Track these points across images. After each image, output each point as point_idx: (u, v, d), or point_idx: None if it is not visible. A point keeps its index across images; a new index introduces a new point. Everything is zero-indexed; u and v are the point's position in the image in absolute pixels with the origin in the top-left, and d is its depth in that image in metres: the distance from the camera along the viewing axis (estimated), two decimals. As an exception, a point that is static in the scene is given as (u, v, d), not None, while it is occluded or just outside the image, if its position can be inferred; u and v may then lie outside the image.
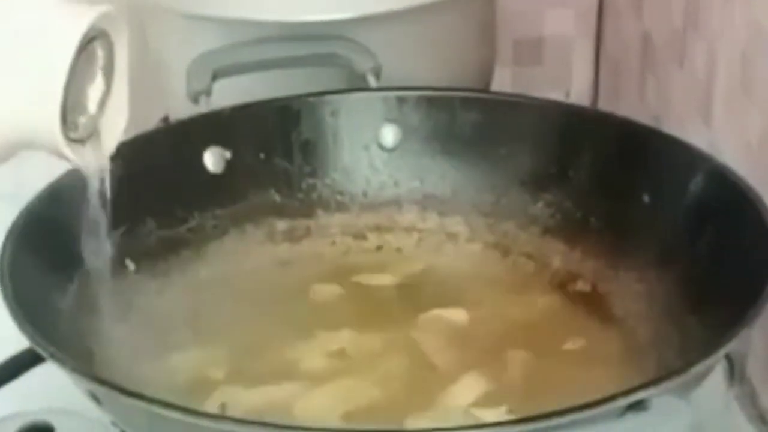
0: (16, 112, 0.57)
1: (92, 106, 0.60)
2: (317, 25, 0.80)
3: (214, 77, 0.78)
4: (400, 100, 0.76)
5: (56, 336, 0.59)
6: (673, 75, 0.83)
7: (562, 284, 0.71)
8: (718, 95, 0.75)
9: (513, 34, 0.99)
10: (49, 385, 0.60)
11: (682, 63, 0.81)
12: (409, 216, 0.76)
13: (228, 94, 0.77)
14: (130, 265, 0.70)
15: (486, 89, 0.87)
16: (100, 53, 0.59)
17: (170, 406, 0.52)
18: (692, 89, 0.79)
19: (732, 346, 0.55)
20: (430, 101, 0.76)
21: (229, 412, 0.61)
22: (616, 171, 0.71)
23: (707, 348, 0.55)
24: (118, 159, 0.62)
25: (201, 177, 0.74)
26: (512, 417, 0.58)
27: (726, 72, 0.74)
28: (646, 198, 0.69)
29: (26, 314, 0.58)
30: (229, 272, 0.73)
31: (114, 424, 0.59)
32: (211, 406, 0.62)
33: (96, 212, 0.62)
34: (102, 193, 0.61)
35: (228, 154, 0.74)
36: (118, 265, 0.68)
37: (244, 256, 0.74)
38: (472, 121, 0.75)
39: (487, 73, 0.89)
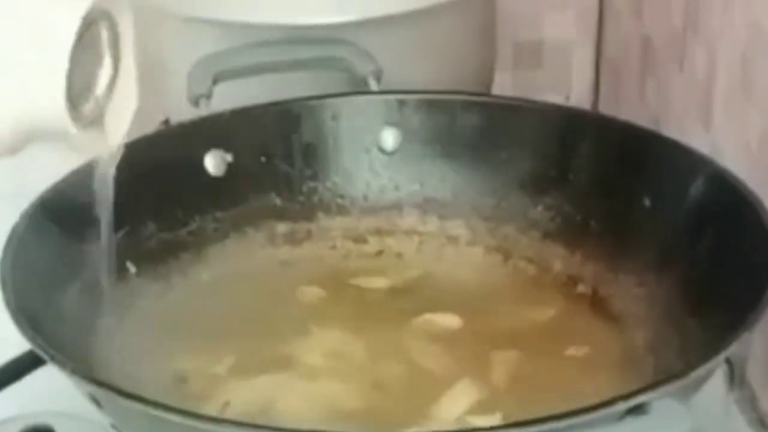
0: (22, 97, 0.56)
1: (100, 89, 0.60)
2: (318, 29, 0.80)
3: (215, 80, 0.78)
4: (401, 104, 0.76)
5: (57, 339, 0.59)
6: (673, 77, 0.83)
7: (562, 288, 0.71)
8: (718, 97, 0.75)
9: (513, 37, 0.99)
10: (50, 388, 0.60)
11: (682, 65, 0.81)
12: (409, 219, 0.76)
13: (229, 97, 0.77)
14: (131, 268, 0.70)
15: (486, 92, 0.87)
16: (104, 35, 0.59)
17: (170, 409, 0.52)
18: (692, 91, 0.79)
19: (732, 350, 0.56)
20: (430, 104, 0.76)
21: (231, 412, 0.61)
22: (617, 174, 0.71)
23: (707, 352, 0.55)
24: (119, 161, 0.62)
25: (202, 180, 0.74)
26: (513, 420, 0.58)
27: (726, 73, 0.74)
28: (646, 201, 0.69)
29: (27, 317, 0.58)
30: (230, 275, 0.73)
31: (114, 426, 0.59)
32: (212, 408, 0.62)
33: (100, 210, 0.62)
34: (106, 191, 0.61)
35: (229, 157, 0.74)
36: (119, 268, 0.68)
37: (245, 259, 0.74)
38: (473, 125, 0.75)
39: (488, 76, 0.89)
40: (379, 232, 0.76)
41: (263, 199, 0.75)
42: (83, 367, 0.58)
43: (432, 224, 0.76)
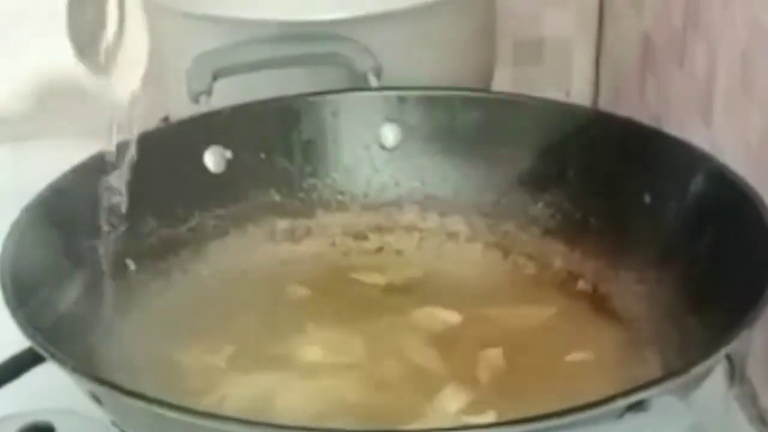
0: (36, 48, 0.56)
1: (110, 35, 0.59)
2: (318, 25, 0.80)
3: (215, 77, 0.78)
4: (401, 100, 0.76)
5: (57, 336, 0.59)
6: (674, 75, 0.83)
7: (562, 285, 0.71)
8: (718, 95, 0.75)
9: (513, 34, 0.99)
10: (50, 385, 0.60)
11: (683, 63, 0.81)
12: (409, 216, 0.76)
13: (228, 93, 0.77)
14: (131, 265, 0.70)
15: (487, 89, 0.87)
16: None
17: (171, 406, 0.52)
18: (692, 89, 0.79)
19: (732, 347, 0.56)
20: (430, 101, 0.76)
21: (230, 409, 0.61)
22: (617, 171, 0.71)
23: (707, 348, 0.55)
24: (119, 160, 0.62)
25: (202, 177, 0.74)
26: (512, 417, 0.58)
27: (726, 72, 0.74)
28: (646, 198, 0.69)
29: (27, 314, 0.58)
30: (230, 272, 0.73)
31: (114, 424, 0.59)
32: (211, 404, 0.62)
33: (115, 194, 0.62)
34: (127, 151, 0.61)
35: (229, 154, 0.74)
36: (119, 265, 0.68)
37: (245, 256, 0.74)
38: (473, 121, 0.75)
39: (488, 73, 0.89)
40: (379, 228, 0.76)
41: (263, 195, 0.75)
42: (83, 365, 0.58)
43: (432, 221, 0.76)
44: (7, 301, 0.59)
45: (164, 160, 0.72)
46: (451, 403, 0.62)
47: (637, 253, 0.69)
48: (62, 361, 0.56)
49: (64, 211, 0.66)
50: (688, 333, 0.62)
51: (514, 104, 0.76)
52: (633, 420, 0.51)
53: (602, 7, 1.00)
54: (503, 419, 0.58)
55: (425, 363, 0.65)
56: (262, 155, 0.75)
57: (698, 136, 0.74)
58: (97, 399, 0.57)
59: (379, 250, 0.75)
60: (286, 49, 0.80)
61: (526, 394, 0.62)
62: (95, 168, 0.67)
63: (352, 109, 0.76)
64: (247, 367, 0.65)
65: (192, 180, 0.73)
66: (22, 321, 0.57)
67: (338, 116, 0.76)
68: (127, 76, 0.60)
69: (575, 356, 0.65)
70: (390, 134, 0.76)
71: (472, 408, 0.62)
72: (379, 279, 0.73)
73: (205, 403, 0.62)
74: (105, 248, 0.65)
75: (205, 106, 0.77)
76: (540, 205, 0.74)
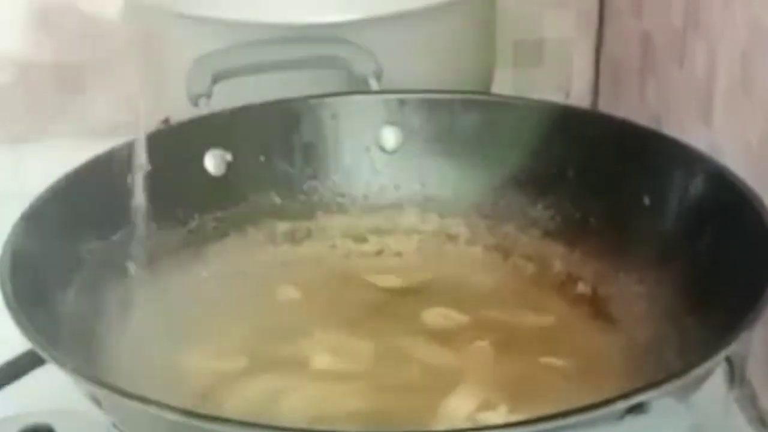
0: None
1: None
2: (318, 28, 0.80)
3: (215, 79, 0.78)
4: (401, 103, 0.76)
5: (57, 338, 0.59)
6: (674, 75, 0.83)
7: (562, 286, 0.71)
8: (718, 95, 0.75)
9: (513, 36, 0.99)
10: (50, 387, 0.60)
11: (682, 63, 0.81)
12: (409, 218, 0.76)
13: (228, 96, 0.77)
14: (131, 267, 0.70)
15: (486, 91, 0.87)
16: None
17: (171, 408, 0.52)
18: (692, 89, 0.79)
19: (732, 349, 0.56)
20: (430, 103, 0.76)
21: (233, 412, 0.61)
22: (616, 172, 0.71)
23: (707, 350, 0.55)
24: (119, 161, 0.62)
25: (202, 179, 0.74)
26: (514, 419, 0.58)
27: (726, 72, 0.74)
28: (645, 199, 0.69)
29: (27, 316, 0.58)
30: (230, 274, 0.73)
31: (115, 426, 0.59)
32: (213, 407, 0.62)
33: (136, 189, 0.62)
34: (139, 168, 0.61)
35: (229, 156, 0.74)
36: (119, 267, 0.68)
37: (245, 258, 0.74)
38: (473, 123, 0.75)
39: (488, 75, 0.89)
40: (379, 231, 0.76)
41: (263, 198, 0.75)
42: (84, 367, 0.58)
43: (432, 223, 0.76)
44: (7, 303, 0.59)
45: (164, 162, 0.72)
46: (460, 406, 0.62)
47: (637, 254, 0.69)
48: (62, 363, 0.56)
49: (64, 213, 0.66)
50: (688, 334, 0.62)
51: (514, 106, 0.76)
52: (633, 422, 0.51)
53: (602, 8, 1.00)
54: (512, 418, 0.58)
55: (431, 365, 0.65)
56: (262, 158, 0.75)
57: (698, 137, 0.74)
58: (97, 401, 0.57)
59: (379, 252, 0.75)
60: (287, 51, 0.80)
61: (530, 395, 0.62)
62: (95, 169, 0.67)
63: (352, 112, 0.76)
64: (250, 369, 0.65)
65: (192, 182, 0.73)
66: (22, 322, 0.57)
67: (338, 119, 0.76)
68: None
69: (576, 358, 0.65)
70: (390, 137, 0.76)
71: (481, 409, 0.61)
72: (380, 282, 0.73)
73: (205, 406, 0.62)
74: (106, 250, 0.65)
75: (205, 109, 0.77)
76: (539, 206, 0.74)
